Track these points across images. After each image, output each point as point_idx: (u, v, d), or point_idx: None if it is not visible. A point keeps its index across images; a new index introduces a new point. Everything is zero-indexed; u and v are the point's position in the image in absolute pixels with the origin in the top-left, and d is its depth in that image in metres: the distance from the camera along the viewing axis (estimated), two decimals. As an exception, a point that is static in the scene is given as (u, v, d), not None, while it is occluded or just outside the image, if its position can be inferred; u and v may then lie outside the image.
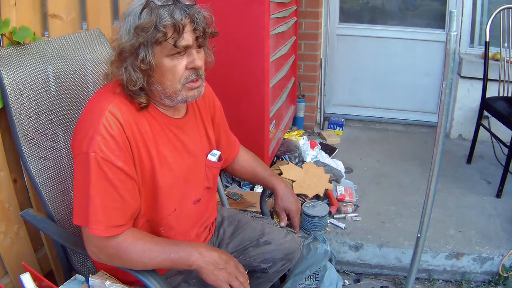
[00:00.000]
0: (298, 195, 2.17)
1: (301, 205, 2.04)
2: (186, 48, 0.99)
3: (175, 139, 1.10)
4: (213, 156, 1.24)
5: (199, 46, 1.03)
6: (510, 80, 2.50)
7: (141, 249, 1.00)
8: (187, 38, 0.98)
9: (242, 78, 2.06)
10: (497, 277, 1.88)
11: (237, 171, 1.46)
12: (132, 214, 1.02)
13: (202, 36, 1.01)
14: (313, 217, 1.94)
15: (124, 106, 1.00)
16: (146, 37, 0.95)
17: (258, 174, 1.44)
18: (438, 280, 1.94)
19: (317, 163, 2.47)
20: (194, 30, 0.98)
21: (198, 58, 1.02)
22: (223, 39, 1.99)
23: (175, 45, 0.96)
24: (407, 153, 2.86)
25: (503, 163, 2.32)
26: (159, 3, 0.95)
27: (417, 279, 1.91)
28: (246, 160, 1.46)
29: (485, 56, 2.45)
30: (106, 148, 0.95)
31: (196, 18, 0.98)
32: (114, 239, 0.98)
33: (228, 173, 1.65)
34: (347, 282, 1.93)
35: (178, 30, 0.95)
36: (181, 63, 1.00)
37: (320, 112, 3.29)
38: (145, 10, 0.96)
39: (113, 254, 0.99)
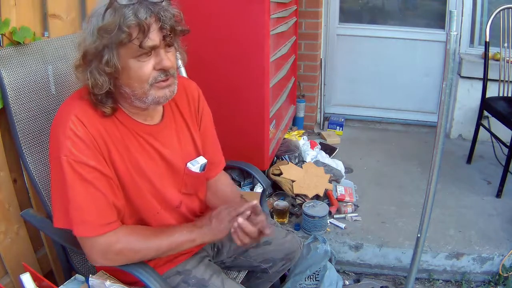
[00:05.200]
0: (298, 195, 2.17)
1: (302, 205, 2.05)
2: (153, 48, 0.95)
3: (145, 144, 1.08)
4: (194, 165, 1.18)
5: (168, 45, 0.98)
6: (510, 80, 2.49)
7: (144, 236, 1.03)
8: (153, 38, 0.93)
9: (242, 78, 2.05)
10: (497, 277, 1.88)
11: (209, 195, 1.30)
12: (119, 211, 1.02)
13: (170, 35, 0.96)
14: (313, 217, 1.94)
15: (88, 111, 0.99)
16: (110, 38, 0.92)
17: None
18: (438, 280, 1.94)
19: (317, 163, 2.47)
20: (161, 29, 0.94)
21: (166, 58, 0.97)
22: (223, 39, 2.01)
23: (141, 46, 0.92)
24: (407, 153, 2.86)
25: (503, 163, 2.32)
26: (123, 3, 0.91)
27: (417, 279, 1.91)
28: (224, 189, 1.30)
29: (485, 56, 2.45)
30: (76, 150, 0.95)
31: (162, 16, 0.93)
32: (117, 234, 0.99)
33: None
34: (347, 282, 1.93)
35: (143, 30, 0.91)
36: (148, 64, 0.96)
37: (320, 112, 3.29)
38: (109, 10, 0.91)
39: (121, 249, 1.00)
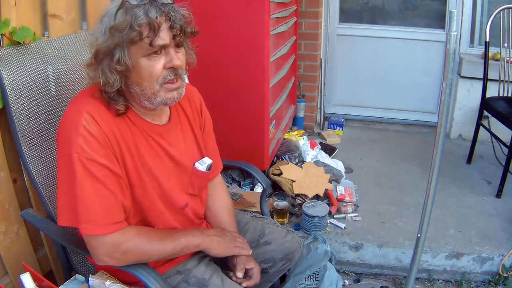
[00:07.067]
0: (298, 195, 2.17)
1: (302, 205, 2.05)
2: (163, 47, 0.97)
3: (154, 144, 1.09)
4: (201, 164, 1.20)
5: (178, 46, 1.00)
6: (510, 80, 2.49)
7: (152, 238, 1.03)
8: (164, 37, 0.96)
9: (242, 78, 2.06)
10: (497, 277, 1.88)
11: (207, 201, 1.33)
12: (125, 211, 1.02)
13: (180, 34, 0.98)
14: (313, 217, 1.94)
15: (102, 109, 1.00)
16: (121, 37, 0.94)
17: (221, 223, 1.30)
18: (438, 280, 1.94)
19: (317, 163, 2.47)
20: (171, 28, 0.96)
21: (177, 58, 0.99)
22: (223, 39, 2.01)
23: (151, 45, 0.94)
24: (407, 153, 2.86)
25: (503, 163, 2.32)
26: (135, 3, 0.94)
27: (417, 279, 1.91)
28: (218, 199, 1.33)
29: (485, 56, 2.45)
30: (88, 148, 0.95)
31: (173, 16, 0.96)
32: (125, 234, 0.99)
33: None
34: (347, 282, 1.93)
35: (153, 28, 0.93)
36: (159, 63, 0.98)
37: (320, 112, 3.29)
38: (120, 10, 0.94)
39: (128, 249, 0.99)
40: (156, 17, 0.93)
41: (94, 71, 1.00)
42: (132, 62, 0.97)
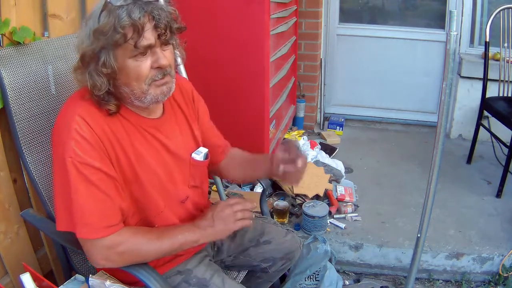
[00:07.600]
0: (298, 195, 2.17)
1: (302, 205, 2.05)
2: (149, 47, 0.95)
3: (151, 138, 1.09)
4: (198, 154, 1.20)
5: (165, 44, 0.99)
6: (510, 80, 2.50)
7: (147, 238, 1.02)
8: (148, 37, 0.94)
9: (242, 78, 2.06)
10: (497, 277, 1.88)
11: (230, 169, 1.35)
12: (123, 212, 1.02)
13: (165, 33, 0.97)
14: (313, 217, 1.94)
15: (94, 110, 0.99)
16: (106, 40, 0.92)
17: (256, 157, 1.33)
18: (438, 280, 1.94)
19: (317, 163, 2.47)
20: (156, 28, 0.94)
21: (163, 57, 0.98)
22: (223, 39, 2.01)
23: (136, 46, 0.93)
24: (407, 153, 2.86)
25: (503, 163, 2.32)
26: (118, 4, 0.92)
27: (417, 279, 1.91)
28: (240, 154, 1.37)
29: (485, 56, 2.45)
30: (81, 151, 0.94)
31: (157, 15, 0.94)
32: (121, 236, 0.99)
33: (219, 177, 1.67)
34: (347, 282, 1.93)
35: (137, 30, 0.92)
36: (145, 63, 0.96)
37: (320, 112, 3.29)
38: (104, 12, 0.93)
39: (124, 251, 0.99)
40: (140, 18, 0.91)
41: (82, 74, 0.98)
42: (118, 65, 0.96)
